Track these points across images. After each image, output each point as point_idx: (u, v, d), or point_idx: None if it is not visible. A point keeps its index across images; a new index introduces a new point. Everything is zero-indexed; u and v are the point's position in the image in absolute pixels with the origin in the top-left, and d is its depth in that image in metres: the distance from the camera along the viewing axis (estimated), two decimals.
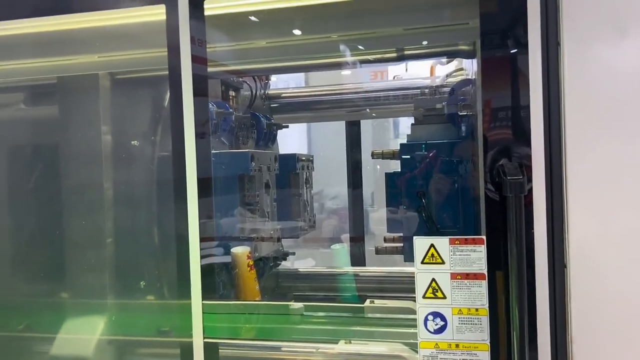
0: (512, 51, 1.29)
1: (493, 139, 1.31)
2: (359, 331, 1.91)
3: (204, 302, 1.57)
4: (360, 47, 1.96)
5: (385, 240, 2.01)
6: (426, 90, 2.30)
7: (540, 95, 1.26)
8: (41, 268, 2.14)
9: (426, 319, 1.36)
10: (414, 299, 1.39)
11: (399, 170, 1.85)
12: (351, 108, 2.71)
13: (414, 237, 1.36)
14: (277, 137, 2.65)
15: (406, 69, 2.91)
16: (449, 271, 1.34)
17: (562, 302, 1.26)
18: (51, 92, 2.04)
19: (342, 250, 3.09)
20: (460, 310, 1.33)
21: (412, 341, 1.51)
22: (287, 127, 2.69)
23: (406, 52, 1.97)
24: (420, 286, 1.36)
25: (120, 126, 1.96)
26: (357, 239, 3.05)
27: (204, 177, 1.57)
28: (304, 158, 2.50)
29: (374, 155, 2.02)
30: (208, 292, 1.60)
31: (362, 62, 2.10)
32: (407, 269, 2.26)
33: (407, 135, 1.94)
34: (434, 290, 1.35)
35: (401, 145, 1.87)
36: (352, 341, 1.80)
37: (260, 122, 2.46)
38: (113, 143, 1.94)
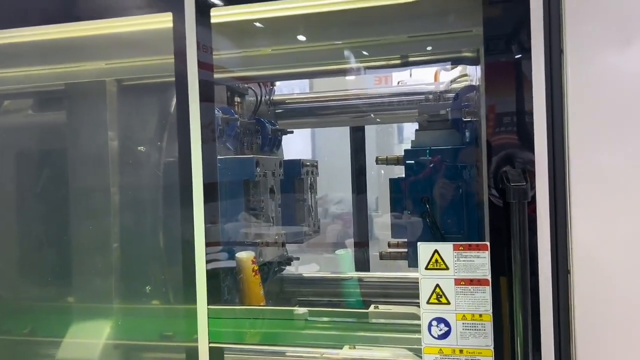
0: (515, 58, 1.30)
1: (496, 145, 1.32)
2: (363, 336, 1.91)
3: (209, 306, 1.58)
4: (364, 53, 1.98)
5: (390, 245, 2.01)
6: (430, 96, 2.31)
7: (543, 102, 1.27)
8: (47, 272, 2.17)
9: (430, 325, 1.36)
10: (418, 305, 1.40)
11: (403, 175, 1.85)
12: (355, 114, 2.72)
13: (418, 243, 1.37)
14: (282, 142, 2.67)
15: (410, 74, 2.92)
16: (453, 277, 1.35)
17: (565, 308, 1.26)
18: (59, 98, 2.07)
19: (346, 255, 3.09)
20: (464, 315, 1.34)
21: (416, 347, 1.51)
22: (291, 132, 2.71)
23: (410, 59, 1.98)
24: (425, 292, 1.37)
25: (126, 132, 1.98)
26: (362, 244, 3.06)
27: (210, 182, 1.58)
28: (308, 163, 2.51)
29: (378, 161, 2.03)
30: (213, 296, 1.61)
31: (367, 68, 2.12)
32: (412, 274, 2.27)
33: (412, 141, 1.95)
34: (438, 295, 1.35)
35: (405, 151, 1.88)
36: (356, 346, 1.80)
37: (265, 127, 2.47)
38: (120, 148, 1.96)
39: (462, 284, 1.34)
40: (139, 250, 2.01)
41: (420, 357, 1.40)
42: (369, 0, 1.52)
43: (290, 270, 2.66)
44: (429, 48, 1.99)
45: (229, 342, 1.76)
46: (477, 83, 1.76)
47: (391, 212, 1.87)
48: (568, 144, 1.26)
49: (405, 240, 1.90)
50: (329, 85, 2.89)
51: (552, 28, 1.27)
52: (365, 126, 2.99)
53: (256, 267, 2.07)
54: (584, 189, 1.26)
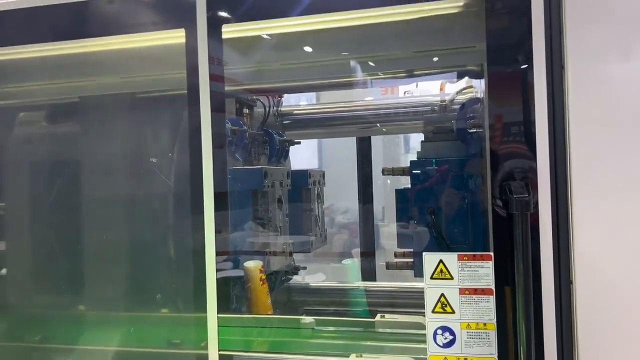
0: (517, 73, 1.33)
1: (499, 158, 1.35)
2: (370, 346, 1.93)
3: (219, 315, 1.60)
4: (370, 67, 2.01)
5: (396, 255, 2.03)
6: (436, 108, 2.34)
7: (545, 115, 1.30)
8: (59, 279, 2.20)
9: (435, 333, 1.39)
10: (424, 314, 1.42)
11: (409, 186, 1.88)
12: (361, 124, 2.75)
13: (423, 253, 1.40)
14: (289, 152, 2.70)
15: (417, 85, 2.95)
16: (457, 286, 1.37)
17: (568, 318, 1.29)
18: (73, 110, 2.12)
19: (353, 265, 3.11)
20: (468, 324, 1.36)
21: (422, 356, 1.53)
22: (299, 143, 2.74)
23: (416, 72, 2.02)
24: (430, 301, 1.39)
25: (139, 143, 2.02)
26: (368, 253, 3.07)
27: (220, 192, 1.62)
28: (315, 174, 2.54)
29: (384, 172, 2.05)
30: (222, 305, 1.64)
31: (373, 81, 2.15)
32: (418, 284, 2.28)
33: (417, 152, 1.98)
34: (443, 305, 1.38)
35: (411, 162, 1.90)
36: (363, 355, 1.82)
37: (273, 138, 2.50)
38: (132, 159, 2.00)
39: (467, 294, 1.36)
40: (149, 259, 2.04)
41: None
42: (375, 17, 1.57)
43: (297, 279, 2.68)
44: (435, 59, 2.02)
45: (238, 349, 1.79)
46: (482, 95, 1.79)
47: (397, 222, 1.89)
48: (570, 156, 1.29)
49: (411, 250, 1.93)
50: (336, 96, 2.92)
51: (553, 44, 1.30)
52: (372, 136, 3.02)
53: (264, 276, 2.10)
54: (586, 200, 1.29)
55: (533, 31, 1.31)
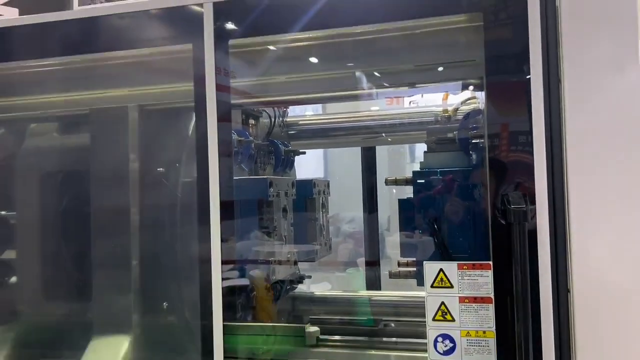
0: (515, 86, 1.37)
1: (498, 169, 1.38)
2: (374, 355, 1.94)
3: (224, 323, 1.63)
4: (373, 79, 2.05)
5: (399, 264, 2.06)
6: (439, 118, 2.36)
7: (542, 127, 1.34)
8: (68, 288, 2.24)
9: (436, 341, 1.41)
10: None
11: (412, 196, 1.91)
12: (366, 135, 2.78)
13: (424, 262, 1.43)
14: (294, 162, 2.72)
15: (422, 95, 2.97)
16: (457, 295, 1.40)
17: (566, 325, 1.31)
18: (83, 122, 2.17)
19: (356, 274, 3.11)
20: (468, 332, 1.39)
21: None
22: (304, 153, 2.76)
23: (418, 85, 2.05)
24: (430, 309, 1.42)
25: (147, 154, 2.07)
26: (373, 263, 3.08)
27: (226, 202, 1.65)
28: (320, 183, 2.57)
29: (387, 182, 2.08)
30: (228, 313, 1.66)
31: (376, 93, 2.19)
32: (421, 293, 2.30)
33: (420, 162, 2.01)
34: (443, 313, 1.40)
35: (414, 172, 1.93)
36: None
37: (279, 149, 2.53)
38: (140, 170, 2.04)
39: (466, 302, 1.39)
40: (157, 268, 2.07)
41: None
42: (376, 32, 1.61)
43: (302, 288, 2.69)
44: (437, 72, 2.05)
45: (243, 357, 1.81)
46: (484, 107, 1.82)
47: (400, 231, 1.91)
48: (567, 167, 1.32)
49: (414, 259, 1.95)
50: (341, 107, 2.95)
51: (550, 58, 1.34)
52: (377, 146, 3.04)
53: (269, 285, 2.12)
54: (584, 209, 1.31)
55: (530, 45, 1.35)
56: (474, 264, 1.39)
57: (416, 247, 1.88)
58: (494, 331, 1.38)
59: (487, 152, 1.40)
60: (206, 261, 1.61)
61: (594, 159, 1.30)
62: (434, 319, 1.41)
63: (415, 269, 1.94)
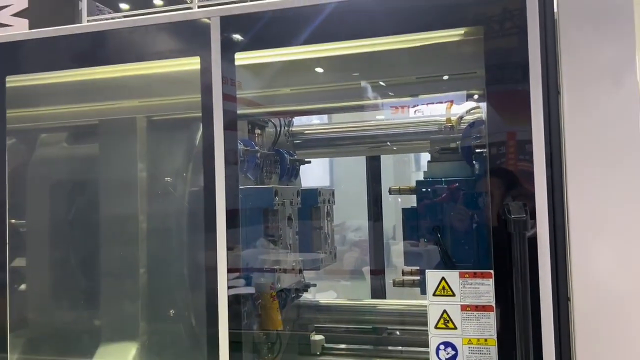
0: (515, 99, 1.39)
1: (499, 179, 1.40)
2: None
3: (230, 330, 1.65)
4: (377, 91, 2.08)
5: (403, 273, 2.07)
6: (443, 128, 2.38)
7: (542, 138, 1.36)
8: (76, 296, 2.27)
9: (438, 349, 1.43)
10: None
11: (416, 205, 1.92)
12: (371, 144, 2.80)
13: (426, 271, 1.45)
14: (300, 170, 2.75)
15: (426, 104, 2.99)
16: (459, 303, 1.42)
17: (566, 334, 1.32)
18: (92, 132, 2.21)
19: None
20: (470, 340, 1.40)
21: None
22: (309, 162, 2.78)
23: (421, 97, 2.08)
24: (433, 317, 1.44)
25: (155, 164, 2.10)
26: (378, 271, 3.08)
27: (232, 210, 1.68)
28: (325, 192, 2.59)
29: (391, 192, 2.10)
30: (233, 321, 1.68)
31: (379, 104, 2.21)
32: (425, 301, 2.31)
33: (424, 171, 2.03)
34: (445, 321, 1.42)
35: (417, 182, 1.95)
36: None
37: (284, 158, 2.55)
38: (148, 179, 2.08)
39: (468, 310, 1.41)
40: (163, 276, 2.10)
41: None
42: (378, 45, 1.64)
43: (307, 296, 2.70)
44: (442, 80, 2.08)
45: None
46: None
47: (404, 240, 1.93)
48: (567, 177, 1.34)
49: (418, 268, 1.97)
50: (346, 116, 2.97)
51: (550, 71, 1.36)
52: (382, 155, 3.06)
53: (274, 293, 2.14)
54: (583, 219, 1.33)
55: (530, 59, 1.37)
56: (475, 273, 1.41)
57: (420, 256, 1.90)
58: (495, 339, 1.39)
59: (489, 162, 1.42)
60: (212, 269, 1.63)
61: (593, 168, 1.32)
62: (436, 327, 1.43)
63: (418, 277, 1.96)
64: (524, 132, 1.37)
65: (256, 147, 2.29)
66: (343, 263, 4.63)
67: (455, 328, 1.42)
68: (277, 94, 2.18)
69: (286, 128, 2.66)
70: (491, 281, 1.39)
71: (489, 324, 1.39)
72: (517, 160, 1.39)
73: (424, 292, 1.90)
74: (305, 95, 2.17)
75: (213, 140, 1.65)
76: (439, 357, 1.43)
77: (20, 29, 6.18)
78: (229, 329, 1.64)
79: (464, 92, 2.04)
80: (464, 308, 1.41)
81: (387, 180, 3.07)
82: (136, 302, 2.05)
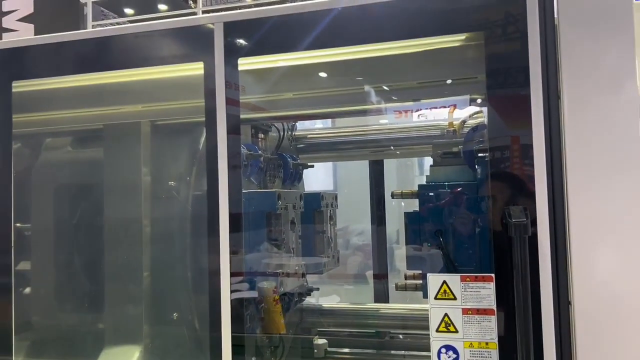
0: (516, 105, 1.40)
1: (500, 183, 1.41)
2: None
3: (233, 334, 1.66)
4: (379, 95, 2.09)
5: (406, 277, 2.08)
6: (446, 132, 2.38)
7: (543, 142, 1.37)
8: (81, 299, 2.28)
9: (439, 352, 1.43)
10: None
11: (417, 209, 1.93)
12: (374, 148, 2.81)
13: (428, 274, 1.45)
14: (303, 174, 2.75)
15: (430, 109, 3.00)
16: (460, 307, 1.42)
17: (567, 337, 1.33)
18: (97, 137, 2.23)
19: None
20: (471, 343, 1.41)
21: None
22: (312, 166, 2.79)
23: (423, 102, 2.09)
24: (434, 320, 1.44)
25: (158, 168, 2.12)
26: (381, 275, 3.09)
27: (235, 214, 1.69)
28: (328, 196, 2.59)
29: (393, 196, 2.11)
30: (236, 325, 1.69)
31: (382, 108, 2.23)
32: (427, 305, 2.31)
33: (426, 176, 2.03)
34: (447, 324, 1.42)
35: (419, 186, 1.96)
36: None
37: (287, 162, 2.56)
38: (152, 184, 2.09)
39: (469, 314, 1.41)
40: (167, 279, 2.11)
41: None
42: (381, 50, 1.65)
43: (310, 300, 2.71)
44: (441, 87, 2.09)
45: None
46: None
47: (406, 244, 1.94)
48: (567, 181, 1.35)
49: (420, 272, 1.97)
50: (349, 121, 2.98)
51: (550, 76, 1.37)
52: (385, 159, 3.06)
53: (277, 297, 2.15)
54: (584, 223, 1.34)
55: (530, 63, 1.38)
56: (476, 276, 1.42)
57: (422, 260, 1.90)
58: (497, 342, 1.40)
59: (490, 167, 1.43)
60: (215, 273, 1.64)
61: (593, 172, 1.33)
62: (437, 330, 1.43)
63: (421, 281, 1.96)
64: (525, 136, 1.38)
65: (259, 152, 2.31)
66: (346, 267, 4.63)
67: (457, 331, 1.42)
68: (280, 99, 2.19)
69: (289, 132, 2.67)
70: (492, 285, 1.40)
71: (490, 327, 1.40)
72: (517, 164, 1.40)
73: (426, 295, 1.91)
74: (308, 100, 2.18)
75: (216, 145, 1.66)
76: None
77: (25, 34, 6.23)
78: (232, 332, 1.64)
79: (467, 97, 2.05)
80: (465, 311, 1.42)
81: (390, 185, 3.07)
82: (140, 305, 2.06)
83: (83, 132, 2.35)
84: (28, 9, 6.58)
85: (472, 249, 1.78)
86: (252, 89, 1.93)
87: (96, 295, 2.17)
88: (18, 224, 2.05)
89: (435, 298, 1.44)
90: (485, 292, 1.41)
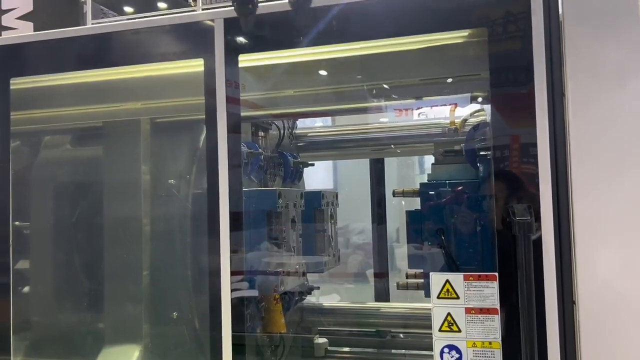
0: (520, 102, 1.39)
1: (504, 181, 1.39)
2: None
3: (233, 333, 1.65)
4: (380, 93, 2.08)
5: (407, 276, 2.07)
6: (447, 130, 2.37)
7: (547, 140, 1.35)
8: (80, 298, 2.27)
9: (442, 352, 1.42)
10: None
11: (419, 207, 1.92)
12: (375, 147, 2.80)
13: (430, 273, 1.44)
14: (304, 173, 2.74)
15: (431, 107, 2.99)
16: (463, 306, 1.41)
17: (571, 337, 1.32)
18: (96, 134, 2.22)
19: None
20: (474, 343, 1.39)
21: None
22: (312, 165, 2.78)
23: (425, 99, 2.08)
24: (437, 320, 1.43)
25: (158, 166, 2.10)
26: (382, 274, 3.08)
27: (235, 212, 1.68)
28: (328, 195, 2.58)
29: (394, 194, 2.10)
30: (237, 324, 1.68)
31: (383, 106, 2.21)
32: (429, 304, 2.30)
33: (428, 174, 2.02)
34: (450, 324, 1.41)
35: (421, 184, 1.95)
36: None
37: (288, 161, 2.55)
38: (152, 182, 2.08)
39: (472, 313, 1.40)
40: (167, 278, 2.10)
41: None
42: (382, 47, 1.64)
43: (310, 299, 2.70)
44: (444, 85, 2.08)
45: None
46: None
47: (407, 243, 1.93)
48: (572, 179, 1.34)
49: (422, 270, 1.96)
50: (350, 119, 2.97)
51: (554, 73, 1.36)
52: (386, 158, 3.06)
53: (277, 296, 2.14)
54: (589, 221, 1.32)
55: (534, 60, 1.37)
56: (479, 275, 1.40)
57: (424, 259, 1.89)
58: (500, 342, 1.39)
59: (493, 165, 1.42)
60: (215, 272, 1.63)
61: (598, 170, 1.32)
62: (440, 330, 1.42)
63: (422, 280, 1.95)
64: (529, 134, 1.37)
65: (260, 150, 2.29)
66: (347, 266, 4.63)
67: (460, 331, 1.41)
68: (281, 96, 2.18)
69: (290, 131, 2.66)
70: (496, 284, 1.39)
71: (494, 326, 1.38)
72: (521, 162, 1.38)
73: (428, 294, 1.90)
74: (308, 97, 2.17)
75: (217, 143, 1.65)
76: None
77: (25, 32, 6.21)
78: (233, 331, 1.63)
79: (468, 95, 2.04)
80: (468, 311, 1.41)
81: (391, 184, 3.07)
82: (139, 304, 2.05)
83: (82, 130, 2.33)
84: (27, 7, 6.56)
85: (474, 248, 1.77)
86: (252, 86, 1.91)
87: (95, 294, 2.16)
88: (17, 223, 2.04)
89: (438, 297, 1.43)
90: (489, 291, 1.39)
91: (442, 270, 1.78)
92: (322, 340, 2.42)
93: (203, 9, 7.18)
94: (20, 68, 1.94)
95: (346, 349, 2.51)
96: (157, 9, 7.92)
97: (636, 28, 1.30)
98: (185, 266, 2.03)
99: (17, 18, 6.59)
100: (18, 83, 1.93)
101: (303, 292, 2.56)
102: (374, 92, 2.08)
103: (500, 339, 1.39)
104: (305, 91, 2.13)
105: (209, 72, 1.64)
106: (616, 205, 1.31)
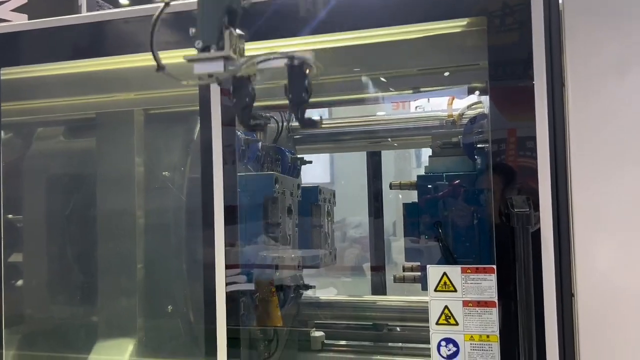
0: (519, 92, 1.37)
1: (502, 173, 1.37)
2: None
3: (228, 326, 1.63)
4: (377, 84, 2.05)
5: (404, 269, 2.06)
6: (444, 123, 2.36)
7: (546, 131, 1.34)
8: (74, 291, 2.25)
9: (439, 345, 1.41)
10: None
11: (417, 200, 1.91)
12: (372, 139, 2.78)
13: (428, 266, 1.42)
14: (301, 170, 2.72)
15: (428, 99, 2.97)
16: (461, 299, 1.40)
17: (570, 330, 1.30)
18: (89, 126, 2.19)
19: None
20: (472, 336, 1.38)
21: None
22: (310, 162, 2.76)
23: (423, 90, 2.06)
24: (434, 313, 1.42)
25: (152, 158, 2.08)
26: (378, 268, 3.07)
27: (230, 204, 1.65)
28: (325, 191, 2.56)
29: (392, 187, 2.08)
30: (232, 317, 1.66)
31: (380, 98, 2.19)
32: (426, 297, 2.29)
33: (425, 166, 2.01)
34: (447, 317, 1.40)
35: (418, 177, 1.94)
36: None
37: (285, 156, 2.53)
38: (145, 174, 2.06)
39: (470, 306, 1.39)
40: (161, 271, 2.08)
41: None
42: (379, 36, 1.61)
43: (307, 293, 2.69)
44: (441, 76, 2.05)
45: None
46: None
47: (404, 236, 1.92)
48: (571, 171, 1.32)
49: (419, 263, 1.95)
50: (347, 111, 2.95)
51: (554, 63, 1.34)
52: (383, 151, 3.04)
53: (274, 289, 2.12)
54: (588, 213, 1.31)
55: (534, 50, 1.35)
56: (477, 268, 1.39)
57: (420, 252, 1.88)
58: (498, 335, 1.38)
59: (491, 157, 1.40)
60: (210, 264, 1.61)
61: (598, 162, 1.30)
62: (437, 323, 1.41)
63: (419, 273, 1.94)
64: (528, 126, 1.35)
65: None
66: (343, 260, 4.62)
67: (457, 324, 1.40)
68: (278, 87, 2.14)
69: (286, 123, 2.63)
70: (494, 276, 1.37)
71: (492, 320, 1.37)
72: (520, 154, 1.37)
73: (425, 288, 1.89)
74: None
75: (211, 134, 1.62)
76: (440, 354, 1.41)
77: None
78: (228, 324, 1.62)
79: (466, 87, 2.02)
80: (465, 304, 1.39)
81: (388, 177, 3.05)
82: (133, 297, 2.03)
83: (75, 122, 2.31)
84: None
85: (471, 241, 1.76)
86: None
87: (89, 287, 2.14)
88: (10, 216, 2.02)
89: (435, 290, 1.41)
90: (487, 284, 1.38)
91: (440, 263, 1.77)
92: (318, 333, 2.41)
93: None
94: (11, 57, 1.91)
95: (343, 342, 2.50)
96: (152, 1, 7.86)
97: (637, 18, 1.28)
98: (180, 258, 2.02)
99: (12, 10, 6.53)
100: (8, 73, 1.90)
101: (299, 287, 2.54)
102: (370, 83, 2.05)
103: (498, 332, 1.37)
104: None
105: None
106: (616, 197, 1.29)
